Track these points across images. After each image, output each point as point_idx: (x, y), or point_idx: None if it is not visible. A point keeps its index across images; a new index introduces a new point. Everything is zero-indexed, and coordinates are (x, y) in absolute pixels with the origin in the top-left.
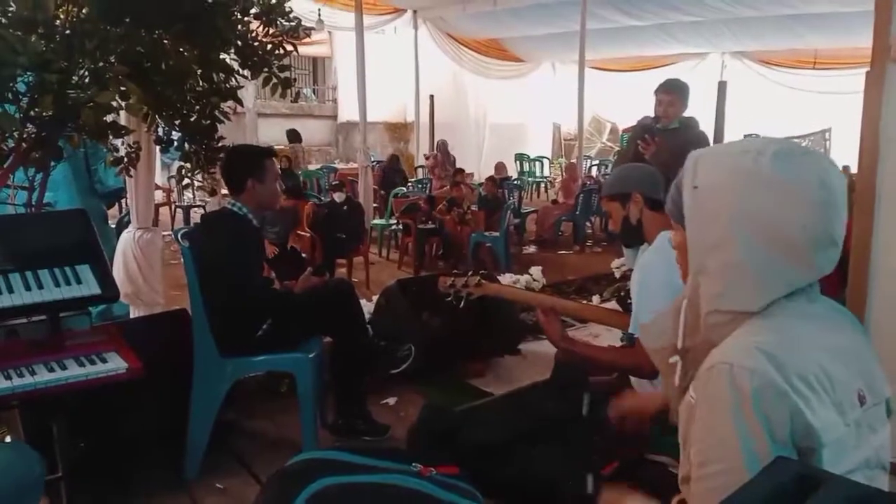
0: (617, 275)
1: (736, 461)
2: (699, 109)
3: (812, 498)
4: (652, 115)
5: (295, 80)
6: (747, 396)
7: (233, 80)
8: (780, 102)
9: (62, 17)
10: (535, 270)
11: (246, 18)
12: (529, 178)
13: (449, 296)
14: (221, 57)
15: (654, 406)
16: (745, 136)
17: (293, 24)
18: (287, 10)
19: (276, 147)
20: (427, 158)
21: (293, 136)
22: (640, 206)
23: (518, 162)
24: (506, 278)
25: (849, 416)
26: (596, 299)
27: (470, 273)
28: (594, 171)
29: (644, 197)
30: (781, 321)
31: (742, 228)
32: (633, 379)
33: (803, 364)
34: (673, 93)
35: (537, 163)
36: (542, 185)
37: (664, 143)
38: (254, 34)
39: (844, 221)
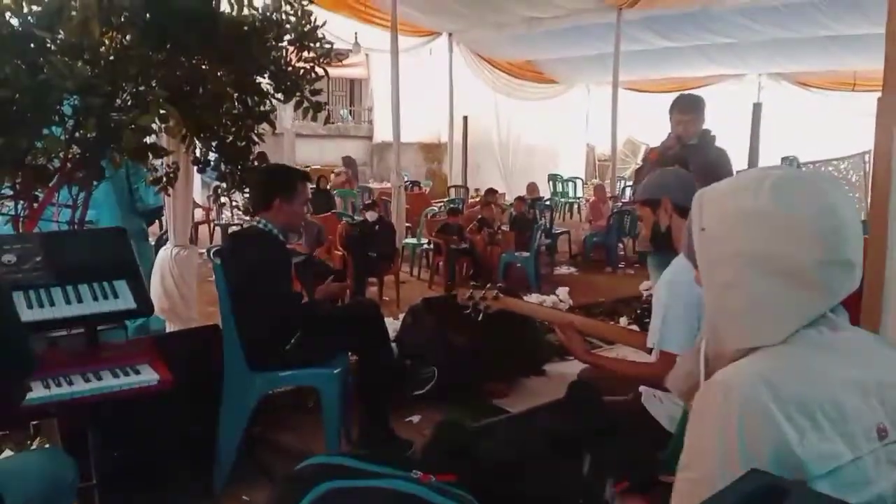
0: (645, 296)
1: (709, 474)
2: (735, 131)
3: None
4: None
5: (327, 103)
6: (732, 419)
7: (267, 103)
8: (819, 124)
9: (107, 43)
10: (562, 291)
11: (280, 44)
12: (562, 199)
13: (468, 308)
14: (256, 81)
15: None
16: (782, 158)
17: (326, 48)
18: (320, 35)
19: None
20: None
21: (348, 160)
22: (669, 212)
23: (551, 182)
24: (532, 299)
25: (862, 449)
26: (624, 321)
27: (488, 286)
28: (627, 193)
29: (673, 204)
30: (796, 350)
31: (753, 266)
32: (643, 391)
33: (808, 393)
34: (690, 112)
35: (570, 183)
36: (575, 205)
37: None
38: (287, 59)
39: (859, 238)
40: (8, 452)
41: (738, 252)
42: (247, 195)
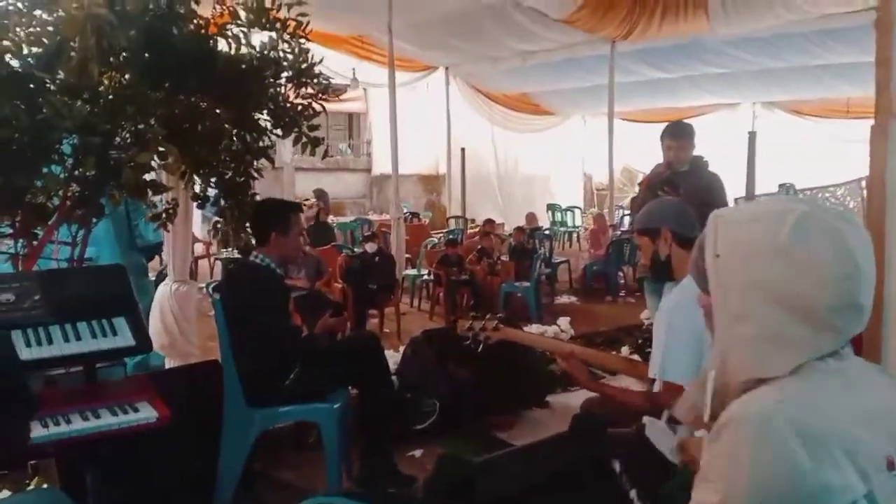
0: (646, 325)
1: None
2: (731, 160)
3: None
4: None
5: (324, 137)
6: (746, 452)
7: (265, 139)
8: (814, 152)
9: (106, 83)
10: (563, 321)
11: (278, 81)
12: (561, 228)
13: (468, 339)
14: (255, 118)
15: None
16: (779, 185)
17: (324, 84)
18: (317, 72)
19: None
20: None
21: (319, 192)
22: (668, 242)
23: (550, 212)
24: (533, 329)
25: (872, 481)
26: (625, 350)
27: (488, 317)
28: (626, 221)
29: (673, 233)
30: (805, 382)
31: (766, 301)
32: (647, 422)
33: (823, 425)
34: (681, 138)
35: (569, 213)
36: (574, 234)
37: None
38: (285, 95)
39: (872, 282)
40: (6, 493)
41: (751, 284)
42: (247, 230)
